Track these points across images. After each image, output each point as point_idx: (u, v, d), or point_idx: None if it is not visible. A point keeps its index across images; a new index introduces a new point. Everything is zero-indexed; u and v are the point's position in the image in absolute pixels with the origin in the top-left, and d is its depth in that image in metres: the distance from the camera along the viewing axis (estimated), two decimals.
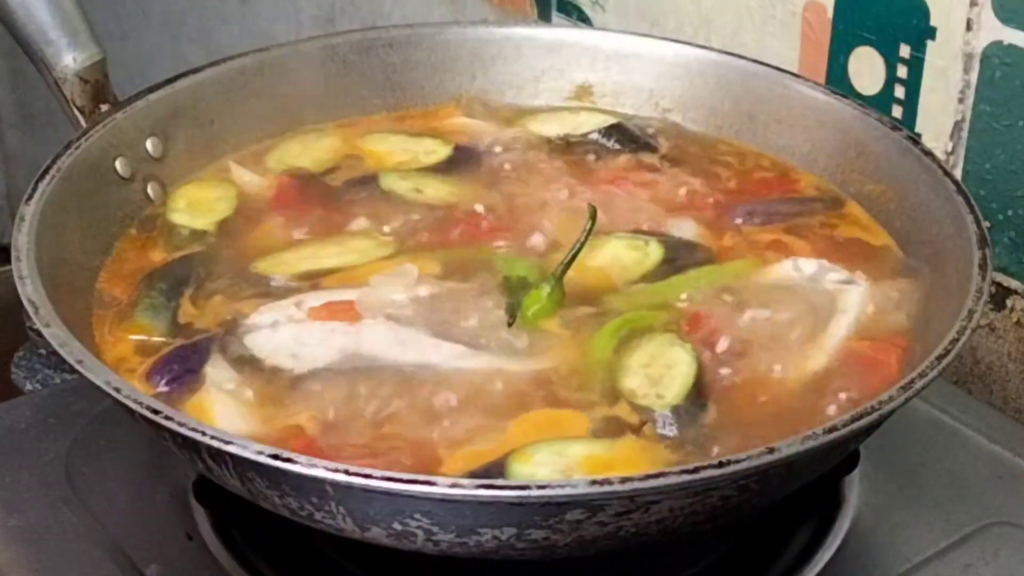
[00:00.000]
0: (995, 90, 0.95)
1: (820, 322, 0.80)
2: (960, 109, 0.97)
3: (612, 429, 0.73)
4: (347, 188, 0.93)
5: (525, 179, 0.94)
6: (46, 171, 0.83)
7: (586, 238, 0.81)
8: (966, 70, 0.96)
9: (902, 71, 1.00)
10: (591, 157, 0.97)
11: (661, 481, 0.63)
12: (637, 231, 0.88)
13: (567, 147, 0.98)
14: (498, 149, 0.97)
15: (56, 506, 0.82)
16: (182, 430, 0.65)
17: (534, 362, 0.77)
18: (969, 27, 0.95)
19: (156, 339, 0.79)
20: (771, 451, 0.64)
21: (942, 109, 0.98)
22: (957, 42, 0.96)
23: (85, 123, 0.90)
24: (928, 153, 0.87)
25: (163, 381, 0.76)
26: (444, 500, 0.63)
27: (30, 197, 0.81)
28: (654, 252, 0.86)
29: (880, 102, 1.01)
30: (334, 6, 1.61)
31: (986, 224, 0.80)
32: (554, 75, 1.02)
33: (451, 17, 1.42)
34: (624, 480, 0.62)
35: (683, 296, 0.82)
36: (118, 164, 0.89)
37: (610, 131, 0.99)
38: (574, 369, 0.77)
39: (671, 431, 0.72)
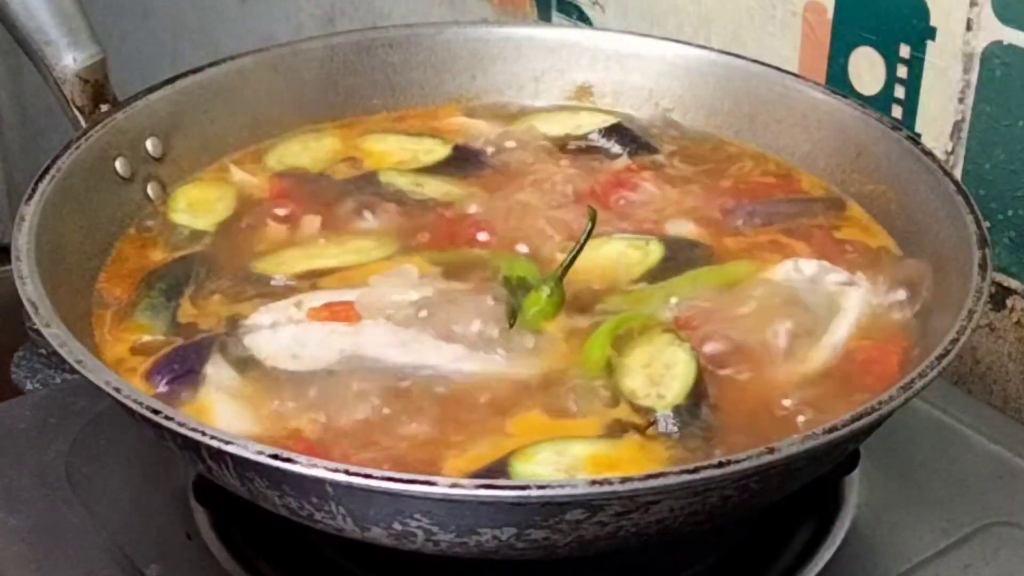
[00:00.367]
0: (995, 90, 0.95)
1: (820, 323, 0.80)
2: (960, 109, 0.97)
3: (614, 429, 0.73)
4: (347, 188, 0.93)
5: (525, 179, 0.93)
6: (46, 171, 0.83)
7: (586, 239, 0.81)
8: (966, 70, 0.96)
9: (902, 71, 1.00)
10: (591, 157, 0.97)
11: (661, 481, 0.63)
12: (637, 231, 0.88)
13: (567, 147, 0.98)
14: (498, 149, 0.97)
15: (56, 506, 0.82)
16: (182, 430, 0.65)
17: (534, 363, 0.77)
18: (969, 27, 0.95)
19: (156, 339, 0.79)
20: (771, 451, 0.64)
21: (942, 109, 0.98)
22: (957, 42, 0.96)
23: (85, 123, 0.90)
24: (928, 153, 0.87)
25: (163, 381, 0.76)
26: (444, 500, 0.63)
27: (30, 197, 0.81)
28: (654, 252, 0.86)
29: (880, 102, 1.01)
30: (334, 6, 1.61)
31: (986, 224, 0.80)
32: (554, 75, 1.02)
33: (451, 17, 1.42)
34: (624, 480, 0.62)
35: (683, 296, 0.82)
36: (118, 164, 0.88)
37: (610, 131, 0.99)
38: (574, 369, 0.77)
39: (673, 431, 0.72)
